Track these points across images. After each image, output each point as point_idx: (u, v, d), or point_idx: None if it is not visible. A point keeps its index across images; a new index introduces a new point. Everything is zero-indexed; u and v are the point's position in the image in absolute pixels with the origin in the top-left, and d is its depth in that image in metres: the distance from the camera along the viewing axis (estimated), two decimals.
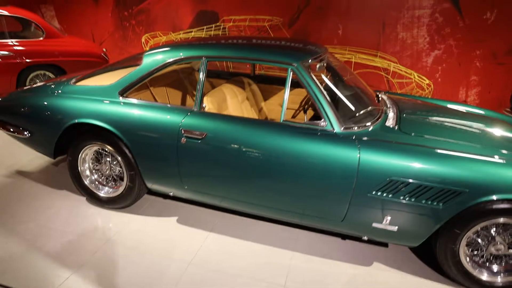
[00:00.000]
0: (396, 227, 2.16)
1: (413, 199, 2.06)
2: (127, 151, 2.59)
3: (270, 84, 3.64)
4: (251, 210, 2.49)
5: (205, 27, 6.57)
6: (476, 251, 2.21)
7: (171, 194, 2.66)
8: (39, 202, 2.94)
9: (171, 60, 2.51)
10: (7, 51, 4.54)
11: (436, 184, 2.00)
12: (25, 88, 3.11)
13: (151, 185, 2.66)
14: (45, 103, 2.75)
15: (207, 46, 2.52)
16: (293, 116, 3.44)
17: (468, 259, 2.20)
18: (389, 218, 2.15)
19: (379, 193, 2.09)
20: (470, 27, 5.80)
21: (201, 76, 2.44)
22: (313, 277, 2.28)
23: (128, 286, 2.13)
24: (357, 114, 2.34)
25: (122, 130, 2.52)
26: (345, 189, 2.13)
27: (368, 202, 2.13)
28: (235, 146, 2.27)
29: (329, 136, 2.18)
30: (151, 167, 2.56)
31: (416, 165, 2.03)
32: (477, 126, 2.55)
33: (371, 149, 2.11)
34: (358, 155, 2.09)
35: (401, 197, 2.06)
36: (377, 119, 2.39)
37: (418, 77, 4.99)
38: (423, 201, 2.04)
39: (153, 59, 2.56)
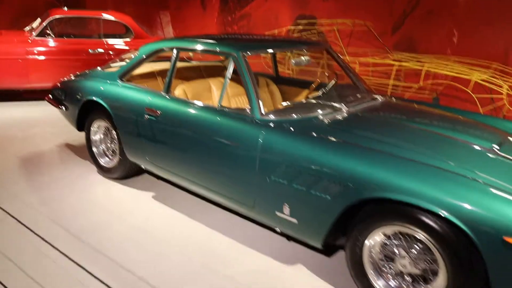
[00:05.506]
0: (296, 219, 2.59)
1: (304, 188, 2.48)
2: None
3: (292, 87, 4.27)
4: (188, 185, 3.26)
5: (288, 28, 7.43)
6: (387, 264, 2.43)
7: (143, 167, 3.64)
8: (63, 165, 4.38)
9: (153, 50, 3.55)
10: (99, 48, 6.44)
11: (324, 175, 2.39)
12: None
13: (130, 158, 3.68)
14: (76, 83, 4.13)
15: (178, 40, 3.46)
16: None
17: (374, 271, 2.43)
18: (288, 207, 2.60)
19: (277, 179, 2.58)
20: None
21: (172, 64, 3.37)
22: (223, 258, 2.86)
23: (75, 227, 3.18)
24: (289, 104, 2.90)
25: (112, 107, 3.63)
26: (250, 171, 2.69)
27: (270, 187, 2.63)
28: (177, 124, 3.12)
29: (246, 121, 2.80)
30: (127, 141, 3.59)
31: (311, 154, 2.47)
32: (437, 131, 2.77)
33: (275, 136, 2.64)
34: (261, 140, 2.65)
35: (295, 185, 2.50)
36: (318, 113, 2.88)
37: None
38: (313, 192, 2.44)
39: (143, 50, 3.64)
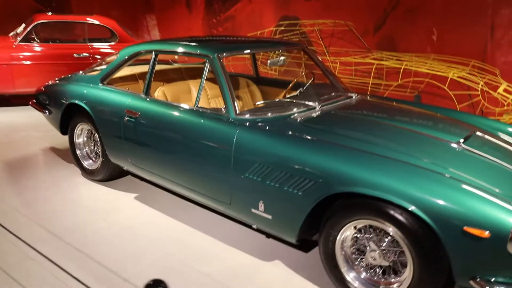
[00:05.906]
0: (270, 215, 2.65)
1: (277, 185, 2.54)
2: None
3: (272, 87, 4.34)
4: (169, 185, 3.31)
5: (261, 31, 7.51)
6: (359, 257, 2.50)
7: (125, 168, 3.68)
8: (48, 168, 4.43)
9: (133, 53, 3.60)
10: (84, 53, 6.48)
11: (296, 171, 2.45)
12: None
13: (113, 159, 3.72)
14: (59, 88, 4.16)
15: (156, 42, 3.52)
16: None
17: (346, 264, 2.50)
18: (262, 204, 2.66)
19: (251, 176, 2.64)
20: None
21: (151, 66, 3.42)
22: (203, 256, 2.92)
23: (59, 228, 3.22)
24: (264, 103, 2.96)
25: (93, 110, 3.68)
26: (225, 169, 2.75)
27: (244, 184, 2.69)
28: (156, 125, 3.19)
29: (221, 120, 2.86)
30: (109, 143, 3.64)
31: (283, 152, 2.54)
32: (408, 127, 2.86)
33: (249, 134, 2.70)
34: (235, 138, 2.71)
35: (269, 182, 2.56)
36: (292, 112, 2.95)
37: (503, 91, 4.80)
38: (285, 188, 2.50)
39: (123, 53, 3.69)
